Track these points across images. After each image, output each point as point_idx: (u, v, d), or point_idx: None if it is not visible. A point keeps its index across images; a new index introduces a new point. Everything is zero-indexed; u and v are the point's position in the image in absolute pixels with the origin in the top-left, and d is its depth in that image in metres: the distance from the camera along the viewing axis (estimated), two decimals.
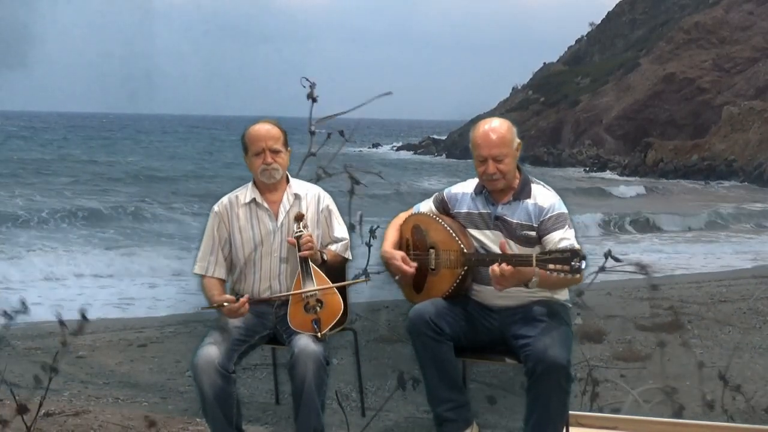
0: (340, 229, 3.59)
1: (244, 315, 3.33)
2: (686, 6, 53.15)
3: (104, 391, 5.61)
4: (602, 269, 3.74)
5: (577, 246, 2.99)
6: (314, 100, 3.81)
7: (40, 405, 3.76)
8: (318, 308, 3.31)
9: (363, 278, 3.47)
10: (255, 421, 4.42)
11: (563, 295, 3.36)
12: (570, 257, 2.93)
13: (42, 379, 3.47)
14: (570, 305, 3.38)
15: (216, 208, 3.55)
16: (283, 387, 3.84)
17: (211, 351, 3.23)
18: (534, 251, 3.19)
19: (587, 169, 41.03)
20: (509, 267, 3.05)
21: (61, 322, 3.43)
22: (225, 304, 3.29)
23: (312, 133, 3.80)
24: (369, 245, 3.96)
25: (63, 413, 4.42)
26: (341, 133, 3.88)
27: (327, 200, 3.60)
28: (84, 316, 3.43)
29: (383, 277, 3.72)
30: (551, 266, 2.96)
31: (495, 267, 3.07)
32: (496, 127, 3.28)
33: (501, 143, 3.25)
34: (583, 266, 2.94)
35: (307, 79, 3.81)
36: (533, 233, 3.25)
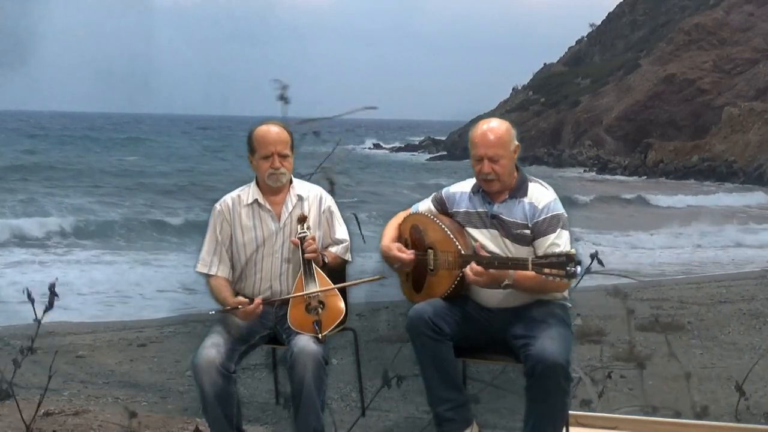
0: (341, 231, 3.59)
1: (257, 316, 3.33)
2: (687, 7, 53.12)
3: (104, 390, 5.61)
4: (588, 271, 3.76)
5: (572, 251, 2.99)
6: (286, 101, 3.83)
7: (39, 404, 3.76)
8: (320, 309, 3.31)
9: (378, 277, 3.46)
10: (255, 421, 4.43)
11: (563, 295, 3.36)
12: (565, 262, 2.95)
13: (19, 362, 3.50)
14: (569, 305, 3.39)
15: (218, 207, 3.54)
16: (283, 387, 3.85)
17: (212, 351, 3.23)
18: (529, 250, 3.23)
19: (587, 169, 41.02)
20: (479, 268, 3.12)
21: (30, 299, 3.46)
22: (239, 306, 3.29)
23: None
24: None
25: (63, 413, 4.42)
26: (316, 133, 3.88)
27: (329, 201, 3.60)
28: (53, 292, 3.46)
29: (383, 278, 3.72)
30: (547, 270, 2.97)
31: (467, 270, 3.15)
32: (495, 127, 3.29)
33: (498, 144, 3.25)
34: (579, 271, 2.96)
35: (278, 80, 3.83)
36: (528, 232, 3.26)
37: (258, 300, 3.31)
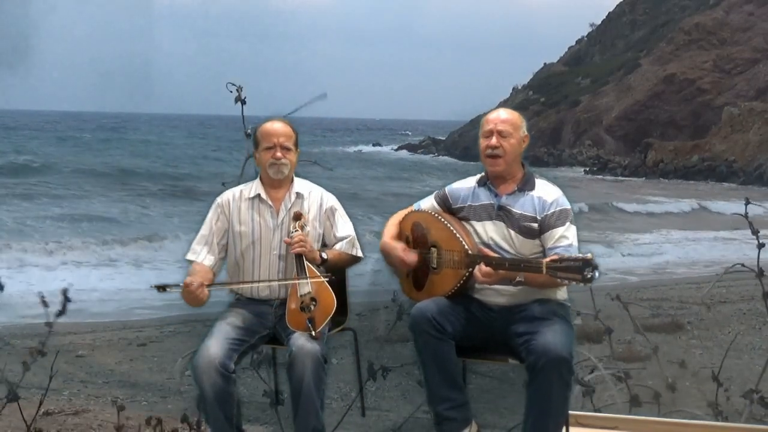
0: (345, 228, 3.58)
1: (202, 301, 3.27)
2: (687, 7, 53.12)
3: (104, 390, 5.62)
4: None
5: (589, 255, 2.97)
6: (243, 102, 3.88)
7: (41, 404, 3.77)
8: (312, 307, 3.31)
9: (327, 276, 3.45)
10: (255, 421, 4.43)
11: (562, 295, 3.36)
12: (582, 266, 2.93)
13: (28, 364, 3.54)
14: (569, 304, 3.39)
15: (218, 200, 3.57)
16: (283, 387, 3.85)
17: (212, 351, 3.23)
18: (535, 243, 3.23)
19: (587, 169, 41.03)
20: (489, 269, 3.12)
21: (44, 303, 3.49)
22: (179, 285, 3.22)
23: (248, 136, 3.84)
24: None
25: (63, 412, 4.43)
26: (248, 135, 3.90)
27: (331, 201, 3.60)
28: (66, 296, 3.48)
29: (384, 277, 3.72)
30: (561, 274, 2.96)
31: (476, 271, 3.16)
32: (508, 110, 3.43)
33: (509, 121, 3.33)
34: (597, 276, 2.94)
35: (232, 84, 3.87)
36: (535, 225, 3.27)
37: (201, 282, 3.26)
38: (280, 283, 3.42)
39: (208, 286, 3.33)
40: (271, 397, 3.69)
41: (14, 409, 3.76)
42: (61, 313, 3.53)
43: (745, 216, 3.79)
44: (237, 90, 3.91)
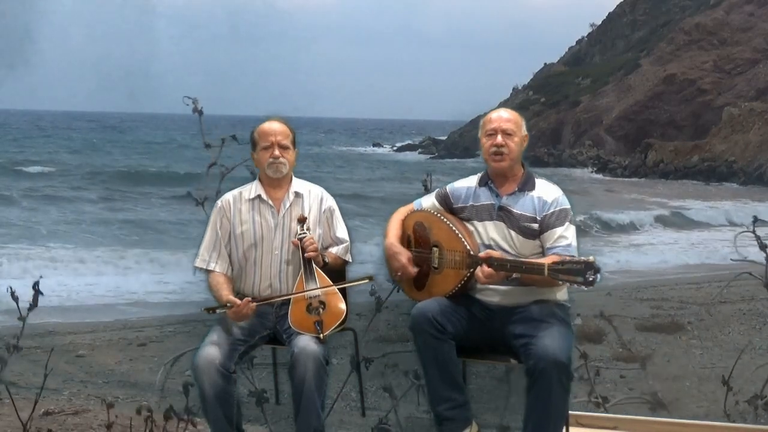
0: (342, 231, 3.59)
1: (249, 316, 3.31)
2: (687, 7, 53.12)
3: (104, 390, 5.61)
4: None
5: (591, 258, 2.98)
6: (200, 113, 3.91)
7: (36, 403, 3.76)
8: (321, 310, 3.31)
9: (366, 279, 3.47)
10: (255, 421, 4.42)
11: (562, 295, 3.36)
12: (584, 269, 2.94)
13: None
14: (569, 305, 3.39)
15: (219, 203, 3.56)
16: (283, 387, 3.85)
17: (212, 351, 3.23)
18: (535, 243, 3.24)
19: (587, 170, 41.01)
20: (491, 270, 3.12)
21: (14, 298, 3.49)
22: (228, 305, 3.28)
23: (208, 146, 3.87)
24: None
25: (63, 412, 4.43)
26: (234, 137, 3.93)
27: (330, 201, 3.60)
28: (38, 290, 3.49)
29: (384, 278, 3.72)
30: (564, 276, 2.97)
31: (478, 272, 3.15)
32: (509, 110, 3.45)
33: (512, 121, 3.35)
34: (599, 279, 2.94)
35: (188, 97, 3.90)
36: (535, 225, 3.27)
37: (247, 299, 3.30)
38: (322, 290, 3.35)
39: (254, 300, 3.32)
40: (256, 397, 3.66)
41: (13, 409, 3.75)
42: (33, 307, 3.53)
43: (753, 231, 3.71)
44: (193, 102, 3.92)
